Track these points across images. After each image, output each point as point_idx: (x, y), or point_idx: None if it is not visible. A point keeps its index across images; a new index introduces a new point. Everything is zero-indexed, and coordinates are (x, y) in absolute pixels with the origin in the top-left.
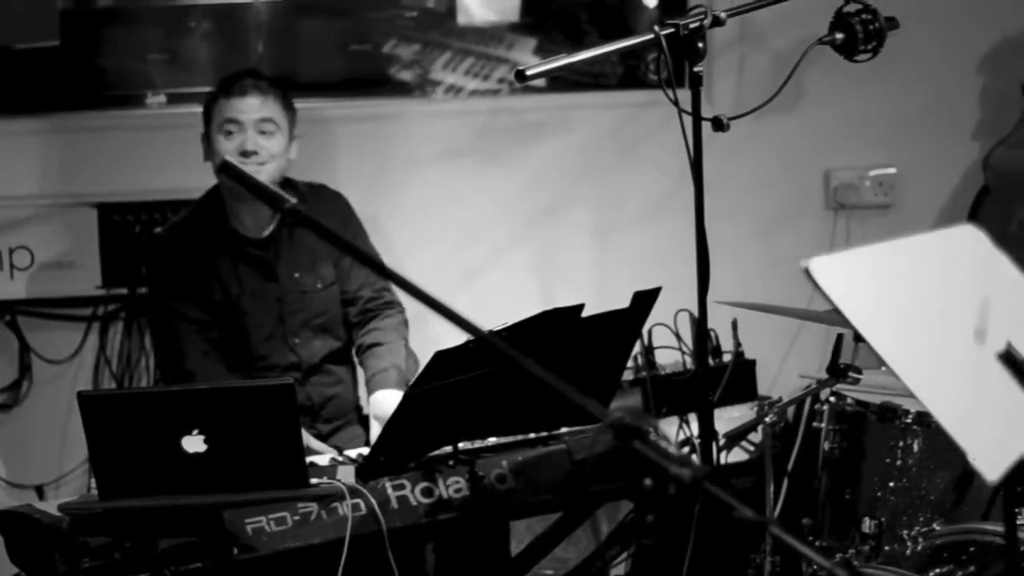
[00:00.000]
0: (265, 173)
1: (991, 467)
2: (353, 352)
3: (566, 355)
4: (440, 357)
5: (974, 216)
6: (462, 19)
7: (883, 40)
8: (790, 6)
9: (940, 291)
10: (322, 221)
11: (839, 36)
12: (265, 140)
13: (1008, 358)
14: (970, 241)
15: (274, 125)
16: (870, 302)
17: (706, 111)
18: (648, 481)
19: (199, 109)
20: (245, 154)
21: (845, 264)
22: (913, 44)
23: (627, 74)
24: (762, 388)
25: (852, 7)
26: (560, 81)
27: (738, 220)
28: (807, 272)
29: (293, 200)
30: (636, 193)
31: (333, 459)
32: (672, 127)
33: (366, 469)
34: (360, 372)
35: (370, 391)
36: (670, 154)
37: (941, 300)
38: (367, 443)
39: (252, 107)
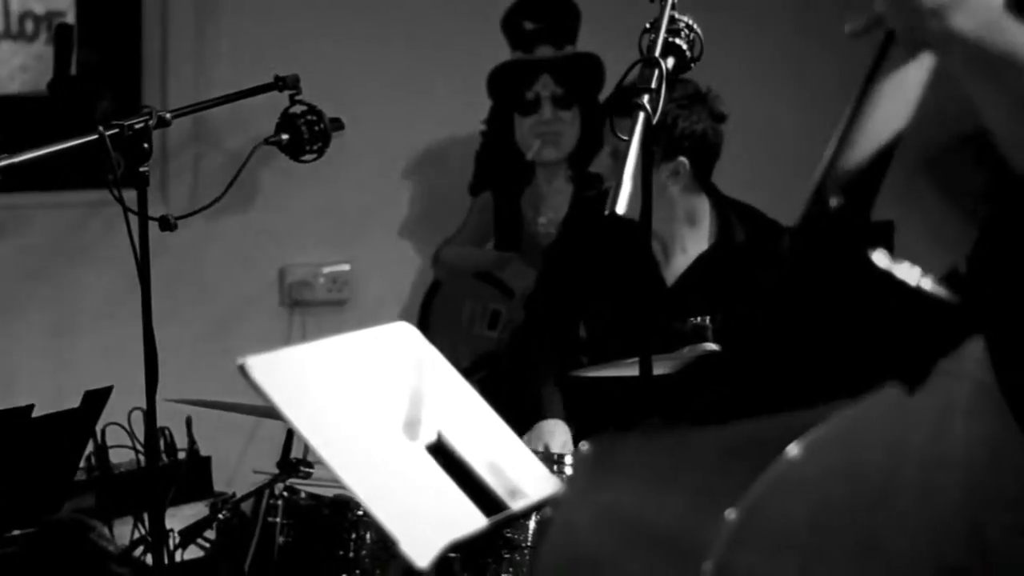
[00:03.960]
0: None
1: (421, 554)
2: None
3: (15, 457)
4: None
5: (426, 311)
6: None
7: (328, 141)
8: (243, 106)
9: (375, 386)
10: None
11: (284, 137)
12: None
13: (438, 449)
14: (403, 337)
15: None
16: (307, 397)
17: (162, 210)
18: None
19: None
20: None
21: (282, 361)
22: (362, 144)
23: (87, 173)
24: (220, 484)
25: (298, 108)
26: (16, 179)
27: (193, 318)
28: (242, 369)
29: None
30: (91, 293)
31: None
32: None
33: None
34: None
35: None
36: (125, 254)
37: (376, 394)
38: None
39: None
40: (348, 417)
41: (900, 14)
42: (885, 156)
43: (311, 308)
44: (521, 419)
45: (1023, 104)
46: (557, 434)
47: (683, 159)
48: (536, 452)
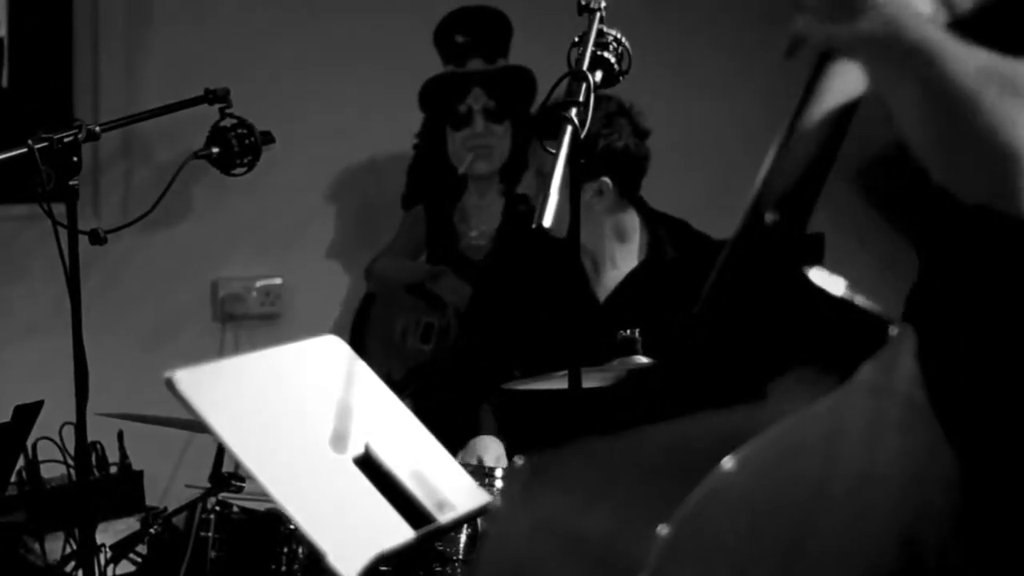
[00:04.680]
0: None
1: (348, 566)
2: None
3: None
4: None
5: (361, 324)
6: None
7: (259, 154)
8: (173, 119)
9: (303, 399)
10: None
11: (215, 150)
12: None
13: (364, 461)
14: (331, 350)
15: None
16: (234, 411)
17: (93, 224)
18: None
19: None
20: None
21: (210, 375)
22: (294, 157)
23: (16, 187)
24: (152, 499)
25: (228, 122)
26: None
27: (125, 332)
28: (169, 383)
29: None
30: (21, 306)
31: None
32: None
33: None
34: None
35: None
36: (55, 268)
37: (304, 407)
38: None
39: None
40: (276, 430)
41: (818, 18)
42: (822, 171)
43: (244, 322)
44: (455, 434)
45: (931, 97)
46: (491, 448)
47: (606, 179)
48: (469, 465)
